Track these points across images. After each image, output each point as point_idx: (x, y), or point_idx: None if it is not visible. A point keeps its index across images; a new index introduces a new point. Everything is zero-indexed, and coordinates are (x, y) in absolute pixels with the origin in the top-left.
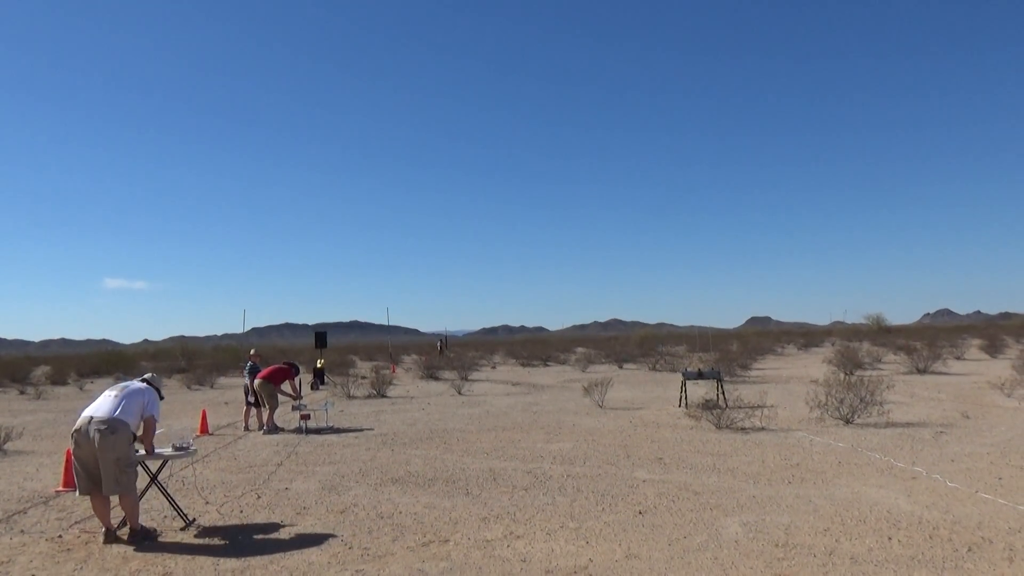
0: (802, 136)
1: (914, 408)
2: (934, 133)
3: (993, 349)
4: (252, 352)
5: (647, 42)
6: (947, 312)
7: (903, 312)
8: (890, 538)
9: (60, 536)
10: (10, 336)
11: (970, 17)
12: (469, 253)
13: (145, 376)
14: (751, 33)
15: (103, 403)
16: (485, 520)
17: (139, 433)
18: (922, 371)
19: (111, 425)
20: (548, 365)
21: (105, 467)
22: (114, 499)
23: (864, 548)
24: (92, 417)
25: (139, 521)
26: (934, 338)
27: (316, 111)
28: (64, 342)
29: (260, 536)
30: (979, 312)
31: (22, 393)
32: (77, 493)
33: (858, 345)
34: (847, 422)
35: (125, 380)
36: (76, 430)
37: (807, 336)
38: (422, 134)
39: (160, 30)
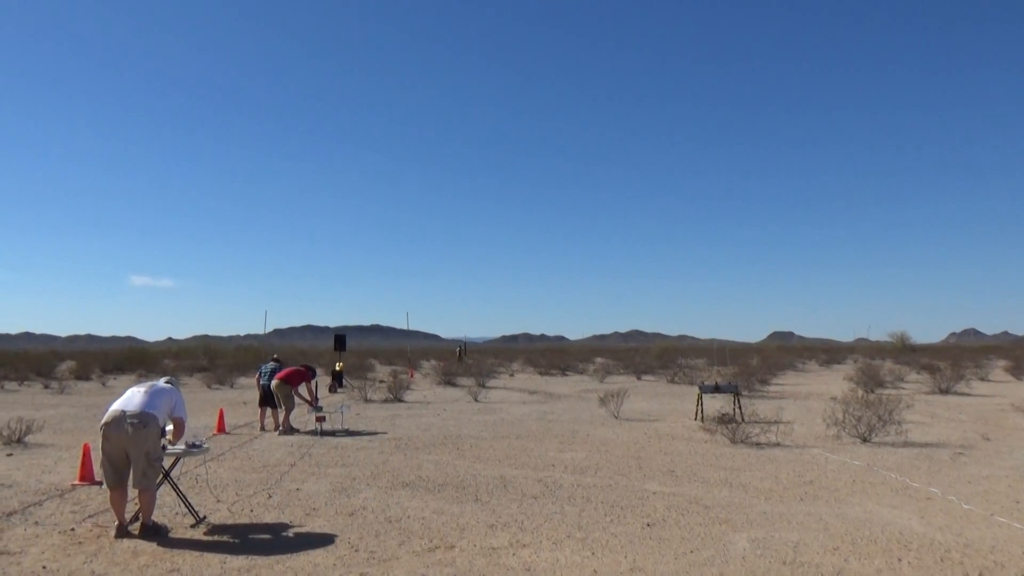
0: (829, 149)
1: (934, 428)
2: (964, 148)
3: (1019, 371)
4: (274, 356)
5: (672, 50)
6: (973, 332)
7: (928, 330)
8: (900, 559)
9: (73, 529)
10: (38, 331)
11: (1002, 25)
12: (491, 259)
13: (167, 379)
14: (779, 39)
15: (132, 398)
16: (492, 527)
17: (167, 431)
18: (944, 391)
19: (143, 419)
20: (566, 374)
21: (136, 460)
22: (132, 493)
23: (873, 569)
24: (124, 411)
25: (151, 517)
26: (959, 358)
27: (340, 114)
28: (90, 338)
29: (268, 536)
30: (1007, 332)
31: (46, 387)
32: (103, 486)
33: (880, 363)
34: (864, 440)
35: (148, 380)
36: (106, 423)
37: (829, 352)
38: (446, 139)
39: (188, 27)
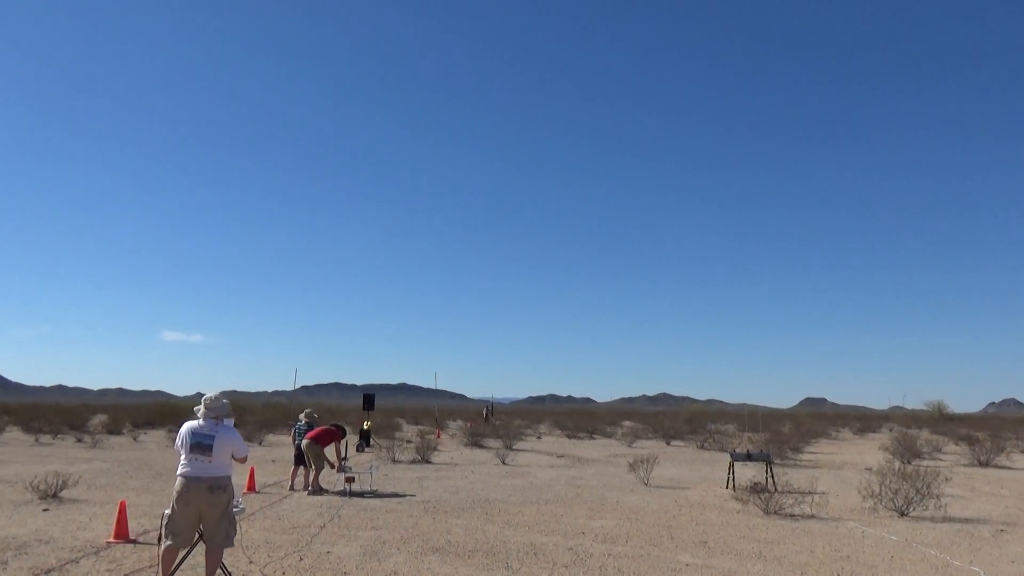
0: (867, 213)
1: (974, 503)
2: (1005, 214)
3: None
4: (306, 412)
5: (695, 113)
6: (1014, 402)
7: (967, 400)
8: None
9: None
10: (71, 384)
11: None
12: (519, 320)
13: (215, 412)
14: (809, 111)
15: (202, 465)
16: None
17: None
18: (984, 464)
19: (221, 483)
20: (594, 438)
21: (218, 522)
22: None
23: None
24: (200, 477)
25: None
26: (999, 429)
27: (372, 173)
28: (121, 391)
29: None
30: None
31: (79, 441)
32: (169, 543)
33: (917, 433)
34: (902, 514)
35: (199, 419)
36: (185, 490)
37: (863, 420)
38: (476, 201)
39: (231, 84)
